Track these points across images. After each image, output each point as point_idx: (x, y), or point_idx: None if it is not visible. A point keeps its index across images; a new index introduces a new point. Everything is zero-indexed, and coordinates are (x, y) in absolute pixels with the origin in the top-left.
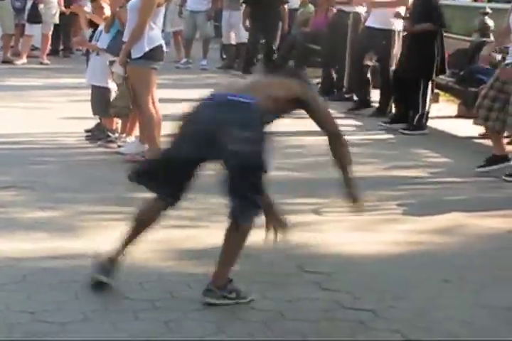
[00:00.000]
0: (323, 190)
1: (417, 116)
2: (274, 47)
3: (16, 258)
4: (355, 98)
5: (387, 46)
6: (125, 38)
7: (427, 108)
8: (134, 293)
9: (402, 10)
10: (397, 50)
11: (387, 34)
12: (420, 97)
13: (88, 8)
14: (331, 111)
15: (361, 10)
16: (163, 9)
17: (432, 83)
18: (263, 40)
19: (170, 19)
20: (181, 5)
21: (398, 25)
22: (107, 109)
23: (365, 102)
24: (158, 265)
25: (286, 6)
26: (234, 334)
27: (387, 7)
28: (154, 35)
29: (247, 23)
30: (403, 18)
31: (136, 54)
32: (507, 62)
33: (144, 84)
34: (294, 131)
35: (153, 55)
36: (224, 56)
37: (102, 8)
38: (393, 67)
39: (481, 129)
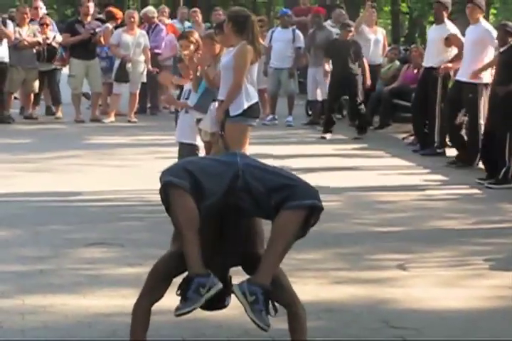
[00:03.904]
0: (407, 245)
1: (503, 170)
2: (358, 102)
3: (105, 313)
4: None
5: (474, 99)
6: (221, 96)
7: None
8: None
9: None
10: (484, 103)
11: (474, 87)
12: (507, 151)
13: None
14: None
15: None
16: (256, 67)
17: None
18: (344, 97)
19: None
20: (266, 63)
21: (486, 78)
22: None
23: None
24: (244, 320)
25: (365, 60)
26: None
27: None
28: (251, 92)
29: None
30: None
31: (234, 111)
32: None
33: (239, 141)
34: (378, 185)
35: (252, 112)
36: (309, 112)
37: (188, 68)
38: (481, 121)
39: None
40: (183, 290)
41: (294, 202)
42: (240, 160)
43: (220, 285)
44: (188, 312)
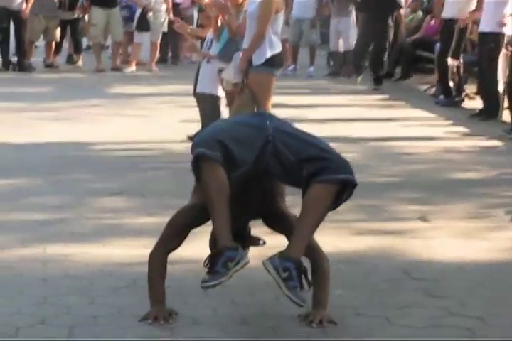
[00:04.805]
0: (428, 196)
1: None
2: (383, 53)
3: (126, 263)
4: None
5: (494, 49)
6: (245, 45)
7: None
8: (243, 298)
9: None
10: (505, 54)
11: (496, 38)
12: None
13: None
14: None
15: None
16: (281, 16)
17: None
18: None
19: None
20: (288, 13)
21: (508, 29)
22: (217, 117)
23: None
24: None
25: (402, 11)
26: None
27: None
28: (275, 41)
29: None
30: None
31: (257, 60)
32: None
33: (265, 91)
34: (399, 137)
35: (275, 61)
36: (331, 63)
37: (209, 17)
38: (499, 72)
39: None
40: (211, 263)
41: (327, 176)
42: (270, 123)
43: (248, 260)
44: (215, 285)
